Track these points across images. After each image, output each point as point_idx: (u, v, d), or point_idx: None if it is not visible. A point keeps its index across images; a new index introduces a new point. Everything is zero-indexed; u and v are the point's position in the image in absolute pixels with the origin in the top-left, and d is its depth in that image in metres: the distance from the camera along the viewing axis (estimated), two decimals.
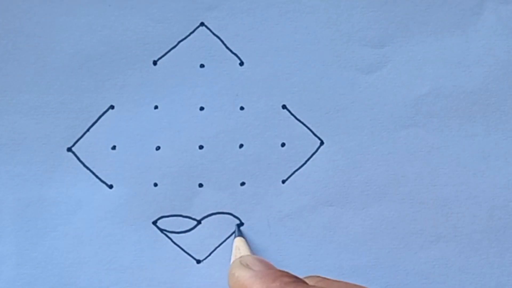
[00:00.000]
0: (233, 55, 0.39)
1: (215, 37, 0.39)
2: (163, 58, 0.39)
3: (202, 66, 0.39)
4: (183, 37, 0.39)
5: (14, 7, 0.39)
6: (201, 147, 0.39)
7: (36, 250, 0.38)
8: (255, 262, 0.33)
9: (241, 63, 0.39)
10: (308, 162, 0.39)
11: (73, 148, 0.39)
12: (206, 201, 0.39)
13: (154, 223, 0.39)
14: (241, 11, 0.39)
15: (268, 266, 0.32)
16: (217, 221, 0.39)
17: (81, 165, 0.39)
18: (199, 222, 0.39)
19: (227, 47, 0.39)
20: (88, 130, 0.39)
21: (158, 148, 0.39)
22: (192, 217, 0.39)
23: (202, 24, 0.39)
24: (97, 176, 0.39)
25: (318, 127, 0.39)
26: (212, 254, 0.39)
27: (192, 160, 0.39)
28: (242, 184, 0.39)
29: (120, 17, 0.39)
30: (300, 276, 0.33)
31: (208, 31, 0.39)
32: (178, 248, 0.39)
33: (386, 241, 0.39)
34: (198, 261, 0.39)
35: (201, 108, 0.39)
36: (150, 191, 0.39)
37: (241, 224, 0.39)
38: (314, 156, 0.39)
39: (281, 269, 0.33)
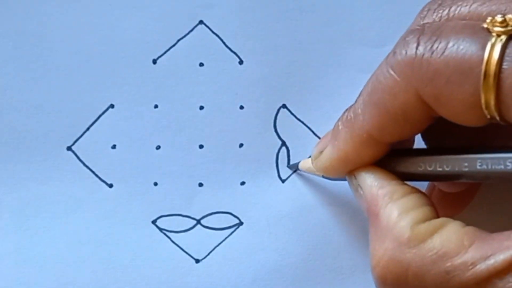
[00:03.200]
0: (232, 53, 0.39)
1: (214, 36, 0.39)
2: (162, 57, 0.39)
3: (201, 64, 0.39)
4: (183, 35, 0.39)
5: (13, 6, 0.39)
6: (201, 146, 0.39)
7: (35, 249, 0.38)
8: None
9: (241, 62, 0.39)
10: None
11: (72, 147, 0.39)
12: (205, 200, 0.39)
13: (154, 222, 0.39)
14: (241, 10, 0.39)
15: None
16: (217, 220, 0.39)
17: (81, 164, 0.39)
18: (198, 221, 0.39)
19: (226, 46, 0.39)
20: (88, 129, 0.39)
21: (158, 147, 0.39)
22: (191, 217, 0.39)
23: (201, 22, 0.39)
24: (96, 175, 0.39)
25: (318, 127, 0.39)
26: (211, 254, 0.39)
27: (192, 160, 0.39)
28: (242, 183, 0.39)
29: (120, 16, 0.39)
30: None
31: (207, 29, 0.39)
32: (178, 248, 0.39)
33: None
34: (197, 261, 0.39)
35: (201, 107, 0.39)
36: (150, 190, 0.39)
37: (241, 223, 0.39)
38: None
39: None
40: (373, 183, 0.32)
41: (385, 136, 0.31)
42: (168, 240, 0.39)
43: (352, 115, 0.32)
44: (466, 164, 0.31)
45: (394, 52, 0.30)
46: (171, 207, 0.39)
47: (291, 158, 0.39)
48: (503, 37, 0.28)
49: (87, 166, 0.39)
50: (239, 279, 0.38)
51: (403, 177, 0.33)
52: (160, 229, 0.39)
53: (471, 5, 0.31)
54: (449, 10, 0.31)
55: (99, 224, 0.39)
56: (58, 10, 0.39)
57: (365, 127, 0.32)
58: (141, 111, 0.39)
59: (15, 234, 0.38)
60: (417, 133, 0.33)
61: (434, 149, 0.33)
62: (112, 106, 0.39)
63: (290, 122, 0.39)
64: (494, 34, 0.28)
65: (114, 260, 0.38)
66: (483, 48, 0.28)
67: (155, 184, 0.39)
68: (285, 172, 0.39)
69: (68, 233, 0.38)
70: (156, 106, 0.39)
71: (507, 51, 0.27)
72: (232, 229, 0.39)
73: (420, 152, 0.33)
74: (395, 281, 0.30)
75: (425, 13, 0.32)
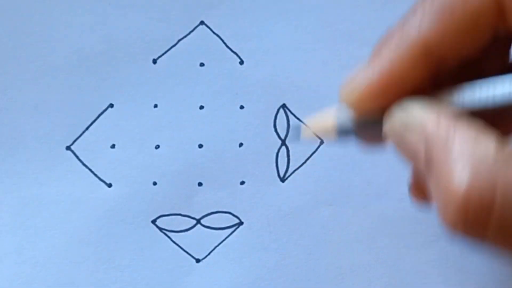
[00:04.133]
0: (233, 54, 0.39)
1: (215, 36, 0.39)
2: (162, 57, 0.39)
3: (202, 64, 0.39)
4: (183, 35, 0.39)
5: (13, 5, 0.39)
6: (200, 146, 0.39)
7: (35, 249, 0.38)
8: None
9: (241, 62, 0.39)
10: (308, 161, 0.39)
11: (72, 147, 0.39)
12: (205, 200, 0.39)
13: (153, 222, 0.39)
14: (241, 10, 0.39)
15: None
16: (217, 220, 0.39)
17: (80, 164, 0.39)
18: (198, 221, 0.39)
19: (227, 46, 0.39)
20: (87, 128, 0.39)
21: (157, 146, 0.39)
22: (191, 216, 0.39)
23: (202, 22, 0.39)
24: (96, 175, 0.39)
25: None
26: (211, 253, 0.39)
27: (191, 159, 0.39)
28: (242, 183, 0.39)
29: (120, 16, 0.39)
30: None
31: (208, 29, 0.39)
32: (178, 247, 0.39)
33: (386, 240, 0.39)
34: (198, 260, 0.39)
35: (201, 107, 0.39)
36: (150, 190, 0.39)
37: (241, 223, 0.39)
38: (314, 155, 0.39)
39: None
40: (430, 112, 0.26)
41: (444, 49, 0.27)
42: (168, 239, 0.39)
43: (406, 24, 0.28)
44: None
45: None
46: (170, 206, 0.39)
47: (291, 158, 0.39)
48: None
49: (86, 166, 0.39)
50: (239, 278, 0.38)
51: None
52: (160, 229, 0.39)
53: None
54: None
55: (98, 224, 0.39)
56: (58, 10, 0.39)
57: (423, 37, 0.27)
58: (140, 111, 0.39)
59: (14, 234, 0.38)
60: (473, 52, 0.28)
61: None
62: (111, 105, 0.39)
63: (290, 122, 0.39)
64: None
65: (113, 260, 0.38)
66: None
67: (155, 183, 0.39)
68: (285, 172, 0.39)
69: (67, 233, 0.38)
70: (155, 106, 0.39)
71: None
72: (232, 229, 0.39)
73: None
74: (479, 209, 0.24)
75: None
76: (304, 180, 0.39)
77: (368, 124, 0.28)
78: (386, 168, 0.39)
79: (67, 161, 0.39)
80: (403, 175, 0.39)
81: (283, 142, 0.39)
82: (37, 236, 0.38)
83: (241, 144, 0.39)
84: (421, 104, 0.27)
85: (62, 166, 0.39)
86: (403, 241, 0.39)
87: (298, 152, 0.39)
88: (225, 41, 0.39)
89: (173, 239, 0.39)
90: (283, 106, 0.39)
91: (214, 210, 0.39)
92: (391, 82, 0.27)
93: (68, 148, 0.39)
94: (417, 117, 0.26)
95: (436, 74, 0.28)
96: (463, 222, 0.24)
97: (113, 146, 0.39)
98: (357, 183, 0.39)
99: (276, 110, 0.39)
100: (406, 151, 0.27)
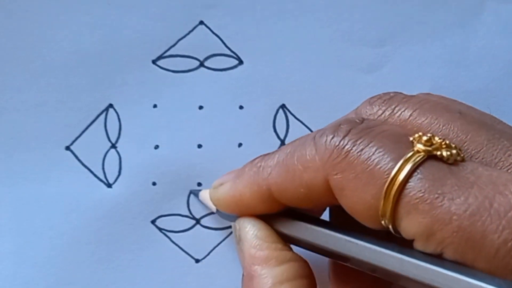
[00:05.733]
0: (232, 53, 0.39)
1: (214, 36, 0.39)
2: (162, 57, 0.39)
3: (201, 65, 0.39)
4: (183, 35, 0.39)
5: (13, 6, 0.39)
6: (200, 146, 0.39)
7: (34, 249, 0.38)
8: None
9: (241, 62, 0.39)
10: None
11: (71, 147, 0.39)
12: None
13: (153, 222, 0.39)
14: (241, 10, 0.39)
15: None
16: (216, 220, 0.39)
17: (80, 164, 0.39)
18: (198, 221, 0.39)
19: (226, 46, 0.39)
20: (86, 128, 0.39)
21: (157, 147, 0.39)
22: (191, 216, 0.39)
23: (201, 22, 0.39)
24: (95, 175, 0.39)
25: (318, 127, 0.39)
26: (211, 253, 0.39)
27: (191, 159, 0.39)
28: None
29: (119, 16, 0.39)
30: None
31: (207, 29, 0.39)
32: (177, 248, 0.39)
33: None
34: (197, 260, 0.39)
35: (200, 107, 0.39)
36: (149, 190, 0.39)
37: None
38: None
39: None
40: (253, 242, 0.33)
41: (283, 198, 0.32)
42: (168, 240, 0.39)
43: (262, 164, 0.33)
44: (353, 250, 0.30)
45: (324, 131, 0.31)
46: (170, 207, 0.39)
47: None
48: (420, 155, 0.28)
49: (85, 166, 0.39)
50: (239, 279, 0.38)
51: (289, 240, 0.33)
52: (160, 229, 0.39)
53: (414, 111, 0.32)
54: (393, 109, 0.32)
55: (98, 224, 0.39)
56: (58, 10, 0.39)
57: (268, 181, 0.32)
58: (140, 111, 0.39)
59: (14, 234, 0.38)
60: (314, 209, 0.33)
61: (328, 223, 0.33)
62: (111, 105, 0.39)
63: (290, 122, 0.39)
64: (414, 149, 0.28)
65: (113, 260, 0.38)
66: (398, 160, 0.28)
67: (154, 183, 0.39)
68: None
69: (67, 233, 0.38)
70: (155, 106, 0.39)
71: (420, 169, 0.27)
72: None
73: (314, 221, 0.32)
74: None
75: (374, 99, 0.33)
76: None
77: (229, 217, 0.35)
78: None
79: (67, 161, 0.39)
80: None
81: (283, 142, 0.39)
82: (36, 236, 0.38)
83: (240, 144, 0.39)
84: (254, 233, 0.33)
85: (62, 166, 0.39)
86: None
87: None
88: (225, 41, 0.39)
89: (173, 239, 0.39)
90: (283, 106, 0.39)
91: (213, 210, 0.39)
92: (241, 201, 0.34)
93: (67, 148, 0.39)
94: (245, 244, 0.33)
95: (280, 208, 0.33)
96: None
97: (112, 146, 0.39)
98: None
99: (275, 110, 0.39)
100: (239, 254, 0.34)
